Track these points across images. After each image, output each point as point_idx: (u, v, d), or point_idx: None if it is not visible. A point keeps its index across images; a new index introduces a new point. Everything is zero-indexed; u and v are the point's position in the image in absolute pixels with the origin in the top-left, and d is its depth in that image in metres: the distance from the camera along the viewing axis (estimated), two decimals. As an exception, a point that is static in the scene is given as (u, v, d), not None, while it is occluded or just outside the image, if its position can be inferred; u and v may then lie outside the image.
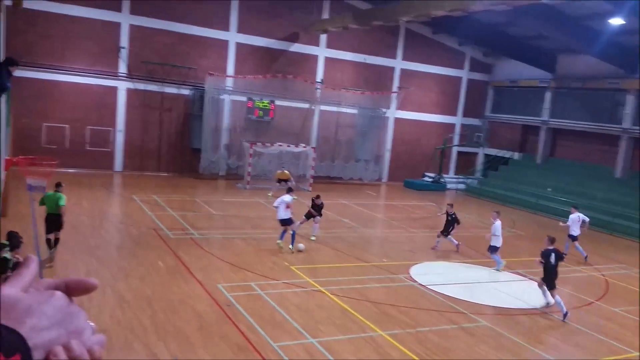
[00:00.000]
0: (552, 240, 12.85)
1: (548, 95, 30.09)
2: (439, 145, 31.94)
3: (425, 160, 32.16)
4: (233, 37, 26.61)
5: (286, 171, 22.52)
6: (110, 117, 24.86)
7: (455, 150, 33.70)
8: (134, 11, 24.37)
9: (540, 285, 12.58)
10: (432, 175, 31.84)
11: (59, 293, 0.80)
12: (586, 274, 16.20)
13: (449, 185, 31.49)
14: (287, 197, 14.85)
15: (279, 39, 27.61)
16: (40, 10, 22.55)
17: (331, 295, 11.83)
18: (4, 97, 8.95)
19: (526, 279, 14.88)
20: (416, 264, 15.14)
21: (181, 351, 8.63)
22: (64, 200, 12.44)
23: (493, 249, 15.32)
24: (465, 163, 33.93)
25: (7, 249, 8.91)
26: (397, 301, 11.95)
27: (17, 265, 8.62)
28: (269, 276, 12.75)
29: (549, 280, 12.38)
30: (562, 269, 16.29)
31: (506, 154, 32.67)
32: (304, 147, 26.80)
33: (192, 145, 26.32)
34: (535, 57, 29.64)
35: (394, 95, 31.06)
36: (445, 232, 17.01)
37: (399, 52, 30.85)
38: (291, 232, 14.74)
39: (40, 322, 0.74)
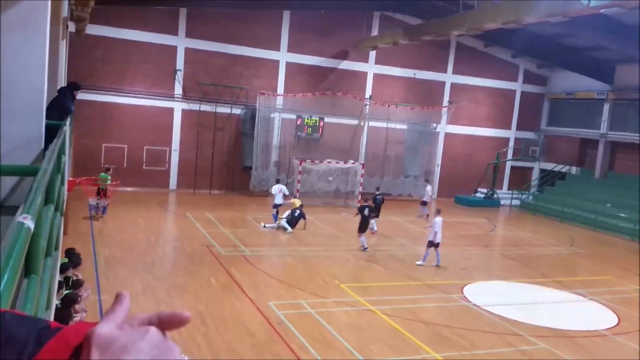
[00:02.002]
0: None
1: (606, 107, 29.02)
2: (492, 160, 31.24)
3: (477, 176, 31.50)
4: (283, 56, 27.03)
5: (295, 200, 21.16)
6: (166, 136, 25.63)
7: (509, 165, 32.88)
8: (189, 34, 25.16)
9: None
10: (484, 190, 31.14)
11: (153, 329, 0.78)
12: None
13: (502, 201, 30.70)
14: (284, 188, 20.16)
15: (329, 57, 27.86)
16: (101, 36, 23.60)
17: (382, 315, 11.69)
18: (68, 120, 9.36)
19: (586, 298, 14.27)
20: (470, 283, 14.78)
21: (234, 369, 8.71)
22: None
23: (430, 244, 15.80)
24: (520, 178, 33.01)
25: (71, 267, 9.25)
26: (451, 322, 11.68)
27: (76, 283, 8.95)
28: (320, 294, 12.73)
29: (362, 228, 16.93)
30: (624, 288, 15.57)
31: (563, 168, 31.61)
32: (353, 163, 26.78)
33: (244, 164, 26.76)
34: (592, 68, 28.70)
35: (444, 110, 30.69)
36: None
37: (450, 66, 30.52)
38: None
39: None
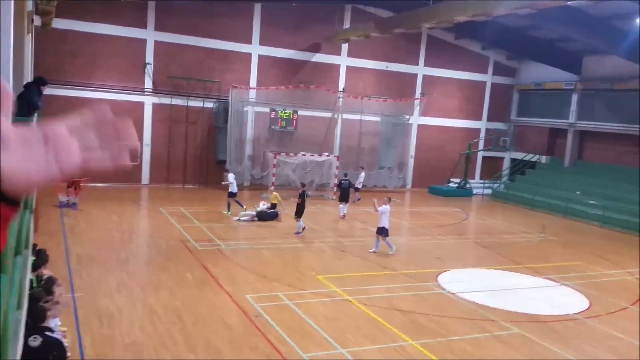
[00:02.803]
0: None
1: (574, 98, 29.61)
2: (464, 150, 31.65)
3: (450, 166, 31.88)
4: (256, 49, 26.86)
5: (276, 194, 21.30)
6: (137, 131, 24.53)
7: (480, 155, 33.35)
8: (158, 28, 24.80)
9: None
10: (457, 180, 31.54)
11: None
12: (619, 278, 15.82)
13: (475, 191, 31.15)
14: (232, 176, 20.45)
15: (301, 49, 27.78)
16: (68, 30, 23.10)
17: (359, 305, 11.78)
18: (35, 116, 9.17)
19: (558, 284, 14.60)
20: (445, 271, 14.98)
21: (212, 363, 8.68)
22: None
23: (382, 231, 15.94)
24: (491, 168, 33.53)
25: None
26: (427, 310, 11.83)
27: (48, 281, 8.79)
28: (296, 286, 12.76)
29: (299, 212, 17.71)
30: (594, 273, 15.98)
31: (533, 157, 32.20)
32: (328, 156, 26.82)
33: (217, 157, 26.57)
34: (560, 59, 29.23)
35: (416, 102, 30.92)
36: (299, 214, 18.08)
37: (421, 59, 30.74)
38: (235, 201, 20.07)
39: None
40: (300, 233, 17.91)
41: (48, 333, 6.45)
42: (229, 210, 20.21)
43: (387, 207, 16.14)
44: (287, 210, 21.17)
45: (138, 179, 25.51)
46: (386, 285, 13.40)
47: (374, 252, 16.13)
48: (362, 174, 26.32)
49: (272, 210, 20.15)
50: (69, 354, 8.29)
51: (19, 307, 3.88)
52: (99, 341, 9.14)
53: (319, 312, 11.20)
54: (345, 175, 24.19)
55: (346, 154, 28.90)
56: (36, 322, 6.50)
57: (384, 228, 16.00)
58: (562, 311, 12.49)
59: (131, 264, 13.91)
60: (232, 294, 11.92)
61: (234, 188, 20.32)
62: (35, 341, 6.05)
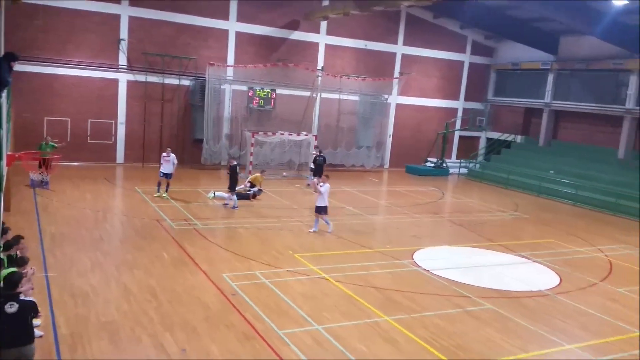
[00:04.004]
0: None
1: (550, 78, 29.89)
2: (441, 130, 31.85)
3: (427, 146, 32.09)
4: (233, 26, 26.46)
5: (258, 175, 21.46)
6: (111, 109, 24.83)
7: (457, 134, 33.60)
8: (133, 3, 24.24)
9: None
10: (434, 160, 31.78)
11: None
12: (590, 255, 16.20)
13: (451, 170, 31.45)
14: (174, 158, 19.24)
15: (279, 27, 27.46)
16: (39, 4, 22.43)
17: (336, 282, 11.87)
18: (4, 92, 8.93)
19: (530, 261, 14.90)
20: (420, 249, 15.17)
21: (188, 341, 8.69)
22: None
23: (322, 210, 15.98)
24: (468, 147, 33.84)
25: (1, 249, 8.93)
26: (402, 286, 11.98)
27: (20, 261, 8.68)
28: (273, 265, 12.79)
29: (232, 186, 18.28)
30: (566, 250, 16.35)
31: (509, 137, 32.56)
32: (306, 135, 26.75)
33: (194, 136, 26.30)
34: (537, 39, 29.42)
35: (395, 81, 30.91)
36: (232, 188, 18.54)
37: (400, 38, 30.65)
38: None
39: None
40: (235, 207, 18.28)
41: (22, 297, 6.60)
42: (159, 191, 19.26)
43: (328, 185, 16.23)
44: (263, 191, 21.16)
45: (113, 158, 25.16)
46: (362, 263, 13.52)
47: (313, 231, 15.93)
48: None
49: (249, 191, 20.15)
50: (37, 330, 8.28)
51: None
52: (73, 320, 9.07)
53: (295, 290, 11.26)
54: (320, 151, 24.46)
55: (325, 133, 28.85)
56: (9, 289, 6.61)
57: (324, 207, 15.97)
58: (534, 287, 12.76)
59: (106, 243, 13.78)
60: (209, 272, 11.91)
61: (167, 169, 18.98)
62: (12, 307, 6.40)
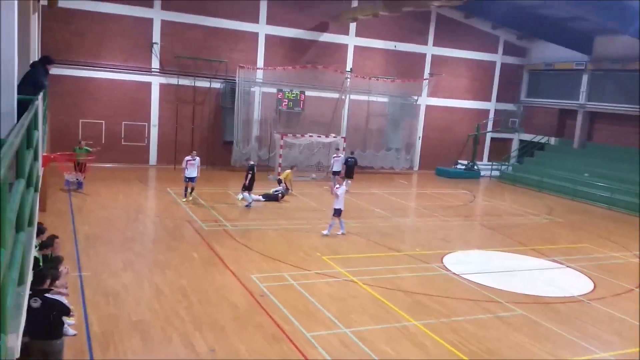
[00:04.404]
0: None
1: (585, 78, 29.24)
2: (472, 131, 31.44)
3: (458, 148, 31.72)
4: (263, 29, 26.67)
5: (288, 171, 21.80)
6: (144, 112, 25.29)
7: (489, 136, 33.13)
8: (165, 7, 24.65)
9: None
10: (464, 162, 31.40)
11: None
12: (625, 260, 15.77)
13: (482, 173, 31.02)
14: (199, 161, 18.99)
15: (308, 29, 27.55)
16: (74, 9, 23.02)
17: (363, 285, 11.84)
18: (41, 95, 9.17)
19: (564, 266, 14.59)
20: (450, 252, 15.00)
21: (217, 341, 8.78)
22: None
23: (338, 212, 15.72)
24: (500, 149, 33.32)
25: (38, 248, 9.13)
26: (431, 290, 11.87)
27: (55, 260, 8.89)
28: (301, 267, 12.83)
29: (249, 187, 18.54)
30: (600, 255, 15.94)
31: (542, 139, 31.94)
32: (334, 137, 26.75)
33: (224, 138, 26.57)
34: (571, 39, 28.82)
35: (425, 82, 30.67)
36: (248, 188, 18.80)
37: (430, 38, 30.39)
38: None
39: None
40: (249, 206, 18.64)
41: (47, 295, 6.77)
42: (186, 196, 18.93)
43: (344, 187, 16.19)
44: (293, 190, 21.25)
45: (145, 160, 25.60)
46: (390, 266, 13.44)
47: (326, 234, 15.70)
48: (342, 157, 23.80)
49: (275, 191, 20.27)
50: (72, 313, 8.48)
51: (21, 282, 3.92)
52: (105, 319, 9.26)
53: (323, 292, 11.27)
54: (352, 153, 24.81)
55: (353, 135, 28.79)
56: (36, 285, 6.78)
57: (340, 209, 15.76)
58: (567, 293, 12.49)
59: (138, 244, 14.03)
60: (238, 273, 12.01)
61: (192, 173, 18.70)
62: (36, 303, 6.61)
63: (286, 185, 20.96)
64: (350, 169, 23.06)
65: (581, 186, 25.80)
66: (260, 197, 19.71)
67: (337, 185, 16.24)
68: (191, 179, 18.70)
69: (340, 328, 9.61)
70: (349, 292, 11.42)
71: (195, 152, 19.71)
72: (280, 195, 20.19)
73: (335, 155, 23.82)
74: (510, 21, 29.48)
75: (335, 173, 22.40)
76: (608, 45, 27.86)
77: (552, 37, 29.31)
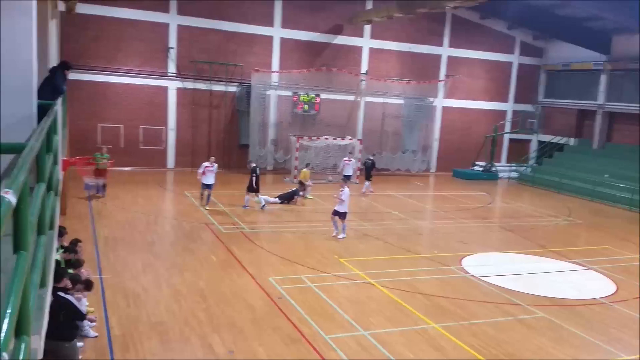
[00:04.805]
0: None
1: (603, 78, 28.87)
2: (490, 133, 31.18)
3: (475, 149, 31.48)
4: (277, 32, 26.75)
5: (305, 170, 21.87)
6: (161, 116, 25.50)
7: (507, 137, 32.82)
8: (181, 12, 24.86)
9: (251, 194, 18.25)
10: (482, 164, 31.15)
11: None
12: (649, 262, 15.48)
13: (500, 174, 30.74)
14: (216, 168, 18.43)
15: (323, 32, 27.58)
16: (91, 14, 23.30)
17: (381, 288, 11.77)
18: (60, 100, 9.28)
19: (585, 268, 14.37)
20: (468, 255, 14.86)
21: (235, 343, 8.78)
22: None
23: (343, 215, 15.51)
24: (518, 151, 33.00)
25: (62, 251, 9.23)
26: (450, 293, 11.77)
27: (76, 263, 8.96)
28: (319, 269, 12.80)
29: (250, 188, 18.38)
30: (622, 257, 15.67)
31: (561, 140, 31.57)
32: (350, 139, 26.70)
33: (241, 141, 26.68)
34: (588, 38, 28.47)
35: (441, 84, 30.51)
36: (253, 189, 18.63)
37: (446, 40, 30.24)
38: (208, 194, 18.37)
39: None
40: (264, 207, 18.64)
41: (60, 293, 6.66)
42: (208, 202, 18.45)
43: (347, 190, 15.80)
44: (309, 190, 21.17)
45: (163, 163, 25.80)
46: (409, 268, 13.35)
47: (335, 235, 15.61)
48: (353, 160, 24.07)
49: (295, 192, 20.27)
50: (92, 324, 8.50)
51: (43, 285, 3.95)
52: (125, 320, 9.32)
53: (341, 295, 11.23)
54: (374, 154, 25.32)
55: (369, 137, 28.71)
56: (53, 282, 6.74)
57: (344, 212, 15.54)
58: (589, 295, 12.30)
59: (157, 246, 14.12)
60: (255, 276, 12.02)
61: (208, 179, 18.11)
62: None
63: (304, 186, 20.95)
64: (367, 171, 23.12)
65: (601, 187, 25.44)
66: (277, 200, 19.73)
67: (341, 189, 15.82)
68: (208, 186, 18.13)
69: (359, 330, 9.56)
70: (366, 295, 11.36)
71: (213, 157, 19.15)
72: (297, 196, 20.13)
73: (346, 158, 23.54)
74: (526, 21, 29.23)
75: (347, 177, 21.93)
76: (626, 44, 27.47)
77: (569, 37, 29.01)
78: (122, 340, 8.60)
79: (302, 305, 10.47)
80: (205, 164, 18.35)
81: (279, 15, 26.59)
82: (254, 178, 18.59)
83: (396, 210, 20.17)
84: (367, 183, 22.87)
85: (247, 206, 18.67)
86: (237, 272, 12.23)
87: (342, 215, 15.62)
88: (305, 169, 22.00)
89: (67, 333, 6.83)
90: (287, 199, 19.89)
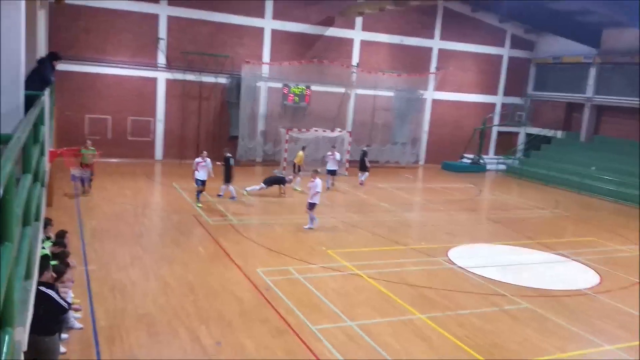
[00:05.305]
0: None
1: (592, 72, 29.06)
2: (479, 125, 31.32)
3: (464, 142, 31.62)
4: (268, 24, 26.64)
5: (300, 153, 21.95)
6: (150, 107, 25.35)
7: (495, 130, 32.99)
8: (171, 3, 24.66)
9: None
10: (470, 156, 31.31)
11: None
12: (631, 253, 15.70)
13: (488, 166, 30.92)
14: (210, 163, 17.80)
15: (314, 24, 27.50)
16: (81, 5, 23.06)
17: (369, 279, 11.86)
18: (47, 91, 9.23)
19: (570, 259, 14.55)
20: (455, 246, 14.99)
21: (223, 335, 8.83)
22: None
23: (311, 206, 15.58)
24: (506, 143, 33.19)
25: (50, 243, 9.19)
26: (436, 284, 11.88)
27: (61, 255, 8.95)
28: (307, 260, 12.86)
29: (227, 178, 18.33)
30: (607, 249, 15.87)
31: (549, 132, 31.78)
32: (340, 131, 26.72)
33: (230, 133, 26.61)
34: (578, 32, 28.61)
35: (431, 77, 30.56)
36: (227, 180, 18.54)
37: (437, 32, 30.26)
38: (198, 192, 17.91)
39: None
40: (234, 198, 18.57)
41: (42, 287, 6.55)
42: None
43: (319, 180, 15.76)
44: (297, 182, 21.17)
45: (152, 155, 25.69)
46: (396, 260, 13.45)
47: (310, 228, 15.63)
48: (337, 154, 22.73)
49: (281, 175, 20.29)
50: (77, 315, 8.49)
51: (28, 277, 3.96)
52: (112, 313, 9.33)
53: (328, 286, 11.30)
54: (368, 145, 26.13)
55: (359, 130, 28.75)
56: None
57: (314, 203, 15.58)
58: (573, 286, 12.46)
59: (144, 238, 14.11)
60: (243, 267, 12.06)
61: (202, 175, 17.56)
62: None
63: (299, 168, 21.11)
64: (360, 162, 23.45)
65: (588, 180, 25.68)
66: (263, 185, 19.56)
67: (312, 179, 15.79)
68: (202, 182, 17.57)
69: (346, 321, 9.64)
70: (354, 286, 11.44)
71: (205, 152, 18.21)
72: (284, 184, 19.96)
73: (329, 153, 22.49)
74: (517, 15, 29.30)
75: (330, 172, 21.75)
76: (616, 38, 27.65)
77: (560, 30, 29.13)
78: (108, 332, 8.61)
79: (289, 296, 10.53)
80: (197, 159, 17.79)
81: (270, 6, 26.46)
82: (226, 168, 18.50)
83: (385, 202, 20.26)
84: (360, 173, 23.21)
85: (220, 195, 18.83)
86: (225, 265, 12.26)
87: (309, 206, 15.65)
88: (300, 152, 22.01)
89: (48, 327, 6.73)
90: (273, 182, 19.76)
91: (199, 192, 17.84)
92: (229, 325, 9.21)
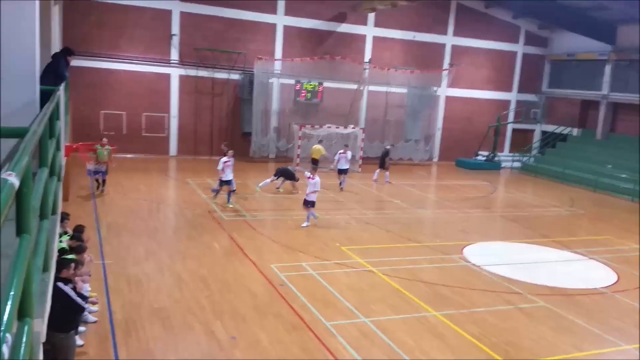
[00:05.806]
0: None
1: (608, 68, 28.70)
2: (493, 122, 31.08)
3: (478, 139, 31.39)
4: (281, 20, 26.61)
5: (317, 147, 22.08)
6: (164, 103, 25.45)
7: (510, 127, 32.71)
8: (183, -2, 24.77)
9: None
10: (485, 154, 31.08)
11: None
12: (651, 253, 15.49)
13: (503, 164, 30.68)
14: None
15: (327, 19, 27.42)
16: (94, 1, 23.21)
17: (383, 276, 11.80)
18: (62, 86, 9.27)
19: (586, 258, 14.39)
20: (470, 244, 14.88)
21: (237, 329, 8.83)
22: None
23: (311, 204, 15.46)
24: (521, 140, 32.90)
25: (67, 237, 9.22)
26: (451, 282, 11.80)
27: (78, 249, 8.99)
28: (321, 257, 12.83)
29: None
30: (623, 247, 15.67)
31: (564, 130, 31.45)
32: (353, 128, 26.65)
33: (243, 129, 26.64)
34: (593, 28, 28.25)
35: (445, 73, 30.37)
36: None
37: (450, 28, 30.06)
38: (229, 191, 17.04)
39: None
40: (215, 191, 17.60)
41: (59, 284, 6.56)
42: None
43: (318, 178, 15.67)
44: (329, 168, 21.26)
45: (166, 151, 25.80)
46: (410, 257, 13.38)
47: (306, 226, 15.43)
48: (349, 153, 21.75)
49: (290, 169, 20.15)
50: (91, 316, 8.53)
51: (46, 269, 3.97)
52: (128, 306, 9.37)
53: (342, 283, 11.27)
54: (392, 145, 26.37)
55: (372, 127, 28.65)
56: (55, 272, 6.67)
57: (313, 201, 15.46)
58: (590, 285, 12.32)
59: (159, 233, 14.17)
60: (258, 263, 12.07)
61: (227, 176, 16.68)
62: None
63: (317, 163, 21.03)
64: (382, 159, 23.32)
65: (604, 178, 25.39)
66: (273, 177, 19.37)
67: (312, 177, 15.57)
68: (228, 182, 16.61)
69: (360, 318, 9.60)
70: (368, 283, 11.40)
71: (232, 151, 17.27)
72: (295, 180, 19.82)
73: (341, 151, 21.45)
74: (531, 11, 29.00)
75: (342, 172, 20.98)
76: (631, 34, 27.27)
77: (574, 26, 28.78)
78: (125, 326, 8.65)
79: (303, 292, 10.52)
80: (224, 159, 16.60)
81: (282, 2, 26.43)
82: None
83: (398, 200, 20.17)
84: (377, 171, 23.09)
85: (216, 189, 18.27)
86: (239, 260, 12.27)
87: (308, 204, 15.54)
88: (318, 145, 21.98)
89: (64, 324, 6.73)
90: (282, 174, 19.44)
91: (228, 192, 16.87)
92: (243, 319, 9.22)
